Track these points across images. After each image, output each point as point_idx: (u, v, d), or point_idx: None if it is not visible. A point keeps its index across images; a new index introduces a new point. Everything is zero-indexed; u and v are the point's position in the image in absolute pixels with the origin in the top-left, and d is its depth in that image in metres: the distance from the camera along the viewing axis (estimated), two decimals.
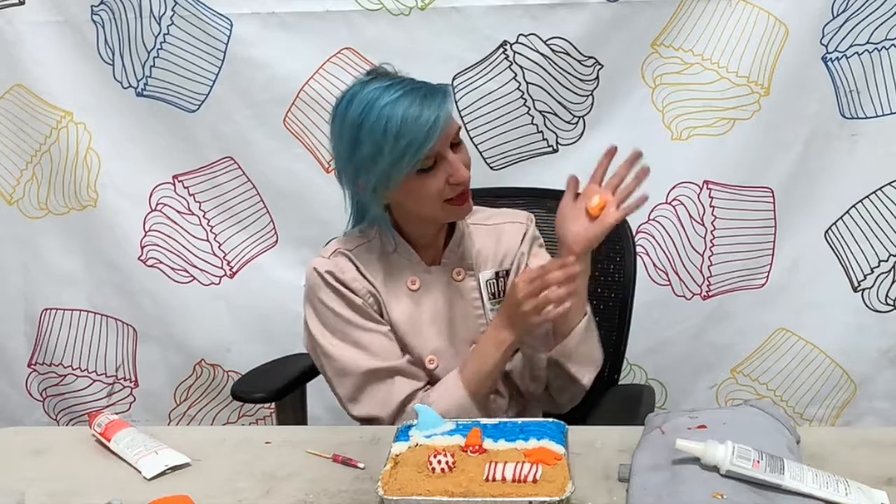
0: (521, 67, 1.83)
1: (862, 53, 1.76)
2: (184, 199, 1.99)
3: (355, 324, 1.22)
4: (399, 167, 1.14)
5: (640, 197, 1.16)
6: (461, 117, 1.83)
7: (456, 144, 1.19)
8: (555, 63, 1.82)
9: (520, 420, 1.06)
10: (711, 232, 1.88)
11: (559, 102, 1.84)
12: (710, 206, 1.86)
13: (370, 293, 1.24)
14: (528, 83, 1.84)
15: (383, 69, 1.20)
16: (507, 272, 1.30)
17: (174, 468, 1.04)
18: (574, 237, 1.17)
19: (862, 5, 1.73)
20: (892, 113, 1.79)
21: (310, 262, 1.25)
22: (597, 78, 1.82)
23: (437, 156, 1.16)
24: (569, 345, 1.23)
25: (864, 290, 1.89)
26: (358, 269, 1.25)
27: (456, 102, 1.23)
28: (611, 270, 1.45)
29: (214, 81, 1.88)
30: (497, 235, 1.31)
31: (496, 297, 1.28)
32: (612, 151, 1.20)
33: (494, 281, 1.28)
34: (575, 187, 1.21)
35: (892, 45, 1.75)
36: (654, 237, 1.90)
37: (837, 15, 1.73)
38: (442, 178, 1.17)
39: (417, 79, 1.18)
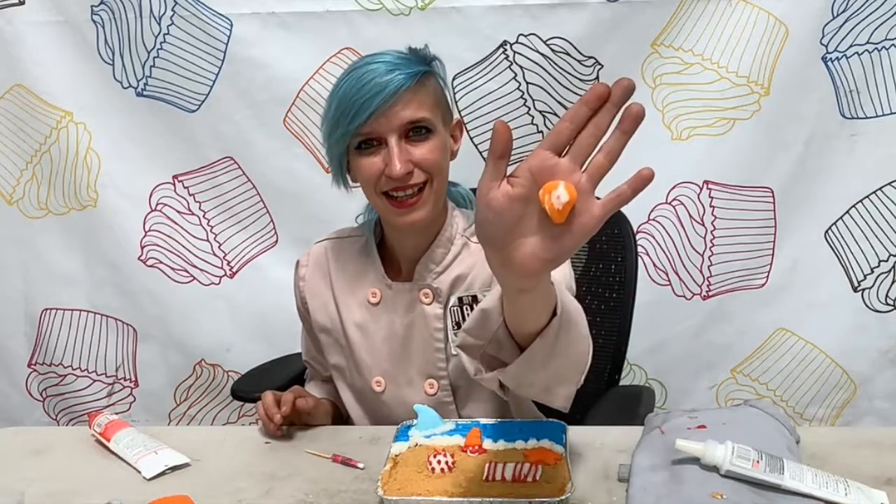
0: (521, 67, 1.83)
1: (862, 53, 1.76)
2: (184, 199, 1.99)
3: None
4: (334, 137, 1.06)
5: (641, 174, 0.63)
6: (461, 117, 1.83)
7: (420, 137, 1.05)
8: (555, 63, 1.81)
9: (519, 420, 1.06)
10: (711, 232, 1.88)
11: (559, 102, 1.84)
12: (710, 206, 1.86)
13: (301, 296, 1.25)
14: (528, 83, 1.83)
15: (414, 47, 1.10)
16: (475, 297, 1.11)
17: (174, 468, 1.04)
18: (527, 259, 0.65)
19: (862, 5, 1.73)
20: (892, 113, 1.79)
21: None
22: (597, 78, 1.82)
23: (380, 138, 1.04)
24: (518, 373, 0.82)
25: (864, 290, 1.89)
26: (327, 262, 1.22)
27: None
28: (612, 271, 1.45)
29: (214, 81, 1.88)
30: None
31: (461, 327, 1.05)
32: (600, 94, 0.63)
33: (458, 308, 1.11)
34: (501, 157, 0.66)
35: (892, 45, 1.75)
36: (653, 237, 1.89)
37: (837, 15, 1.73)
38: (378, 164, 1.04)
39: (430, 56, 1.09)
